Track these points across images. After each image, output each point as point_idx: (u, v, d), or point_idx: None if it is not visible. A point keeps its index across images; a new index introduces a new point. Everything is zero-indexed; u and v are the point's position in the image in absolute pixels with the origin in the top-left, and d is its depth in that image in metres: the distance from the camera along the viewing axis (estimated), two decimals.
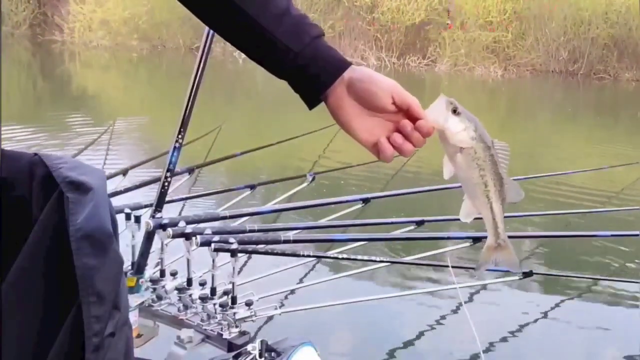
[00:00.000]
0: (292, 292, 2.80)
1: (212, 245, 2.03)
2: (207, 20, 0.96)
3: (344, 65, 0.91)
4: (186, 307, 2.08)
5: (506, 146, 0.93)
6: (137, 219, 2.24)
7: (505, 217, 0.95)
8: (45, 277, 0.89)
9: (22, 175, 0.91)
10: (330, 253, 2.78)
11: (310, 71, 0.90)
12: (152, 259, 2.23)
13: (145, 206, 2.38)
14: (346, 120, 0.91)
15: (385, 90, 0.90)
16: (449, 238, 2.99)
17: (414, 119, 0.90)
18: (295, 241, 2.41)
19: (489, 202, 0.94)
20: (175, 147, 2.13)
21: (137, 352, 1.93)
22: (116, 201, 2.56)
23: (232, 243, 2.05)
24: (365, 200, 3.40)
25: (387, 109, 0.90)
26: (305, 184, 4.15)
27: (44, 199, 0.90)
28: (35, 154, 0.94)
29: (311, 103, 0.93)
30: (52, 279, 0.89)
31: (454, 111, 0.90)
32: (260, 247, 2.27)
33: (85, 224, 0.88)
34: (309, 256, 2.69)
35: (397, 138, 0.90)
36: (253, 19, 0.89)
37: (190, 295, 2.10)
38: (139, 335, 2.02)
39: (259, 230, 2.34)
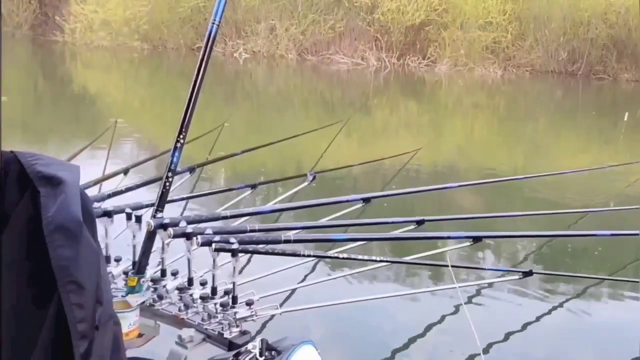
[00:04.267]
0: (293, 291, 2.80)
1: (213, 245, 2.04)
2: None
3: None
4: (187, 307, 2.09)
5: None
6: (138, 219, 2.24)
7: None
8: (23, 272, 0.89)
9: None
10: (330, 253, 2.78)
11: None
12: (153, 259, 2.24)
13: (147, 206, 2.39)
14: None
15: None
16: (449, 238, 3.00)
17: None
18: (295, 241, 2.41)
19: None
20: (176, 147, 2.12)
21: (138, 352, 1.94)
22: (117, 201, 2.57)
23: (232, 243, 2.06)
24: (366, 200, 3.41)
25: None
26: (305, 184, 4.15)
27: (18, 196, 0.91)
28: (11, 152, 0.94)
29: None
30: (30, 273, 0.89)
31: None
32: (261, 247, 2.27)
33: (57, 216, 0.88)
34: (309, 256, 2.69)
35: None
36: None
37: (191, 295, 2.10)
38: (140, 335, 2.02)
39: (259, 230, 2.35)
